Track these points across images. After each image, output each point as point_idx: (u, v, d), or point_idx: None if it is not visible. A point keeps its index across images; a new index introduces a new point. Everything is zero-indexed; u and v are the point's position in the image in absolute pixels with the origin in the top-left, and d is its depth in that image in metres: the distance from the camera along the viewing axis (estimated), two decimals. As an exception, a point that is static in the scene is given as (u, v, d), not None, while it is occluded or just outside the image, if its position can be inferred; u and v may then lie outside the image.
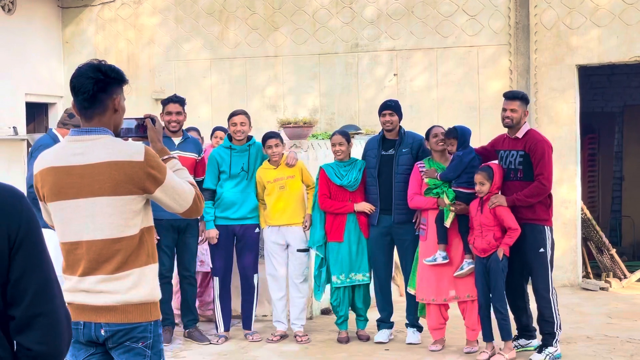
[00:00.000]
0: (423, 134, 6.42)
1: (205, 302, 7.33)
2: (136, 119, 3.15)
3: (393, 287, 7.44)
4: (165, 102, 6.51)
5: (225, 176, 6.53)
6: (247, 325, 6.67)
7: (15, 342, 1.83)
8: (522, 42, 9.09)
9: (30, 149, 6.92)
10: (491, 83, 9.19)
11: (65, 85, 10.18)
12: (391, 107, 6.44)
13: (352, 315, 6.65)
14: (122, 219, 2.86)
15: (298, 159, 6.67)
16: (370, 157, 6.50)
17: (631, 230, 11.47)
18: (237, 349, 6.40)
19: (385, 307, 6.59)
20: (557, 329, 5.86)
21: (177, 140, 6.47)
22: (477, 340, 6.15)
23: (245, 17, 10.11)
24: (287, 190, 6.52)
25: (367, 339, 6.55)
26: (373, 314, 6.73)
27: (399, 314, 6.71)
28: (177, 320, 6.82)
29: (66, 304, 1.92)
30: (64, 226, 2.89)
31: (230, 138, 6.61)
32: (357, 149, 6.93)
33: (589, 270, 9.30)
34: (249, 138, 6.64)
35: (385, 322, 6.59)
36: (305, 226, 6.59)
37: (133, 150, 2.87)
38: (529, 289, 6.08)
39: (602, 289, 8.66)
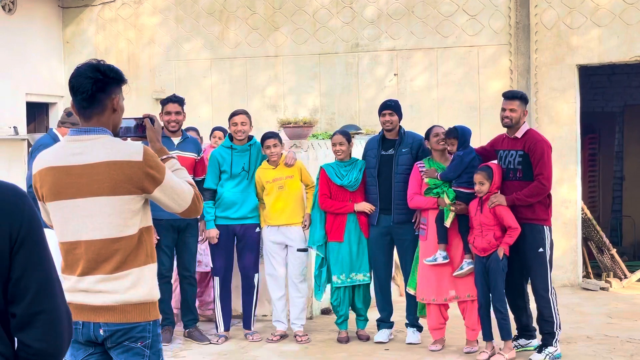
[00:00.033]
0: (423, 134, 6.42)
1: (205, 302, 7.33)
2: (135, 118, 3.15)
3: (393, 287, 7.44)
4: (164, 102, 6.52)
5: (226, 176, 6.54)
6: (247, 324, 6.67)
7: (16, 339, 1.84)
8: (522, 42, 9.09)
9: (30, 148, 6.93)
10: (491, 83, 9.19)
11: (65, 85, 10.14)
12: (391, 107, 6.45)
13: (352, 315, 6.65)
14: (121, 219, 2.86)
15: (297, 158, 6.67)
16: (370, 157, 6.50)
17: (632, 230, 11.47)
18: (237, 349, 6.41)
19: (385, 307, 6.59)
20: (556, 328, 5.86)
21: (176, 140, 6.47)
22: (477, 340, 6.14)
23: (245, 17, 10.11)
24: (286, 190, 6.52)
25: (367, 338, 6.55)
26: (373, 314, 6.73)
27: (399, 314, 6.71)
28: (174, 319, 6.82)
29: (70, 300, 1.92)
30: (63, 226, 2.89)
31: (231, 138, 6.62)
32: (358, 149, 6.93)
33: (590, 270, 9.30)
34: (250, 138, 6.64)
35: (385, 322, 6.59)
36: (305, 225, 6.59)
37: (132, 150, 2.87)
38: (529, 289, 6.08)
39: (602, 288, 8.65)
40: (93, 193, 2.85)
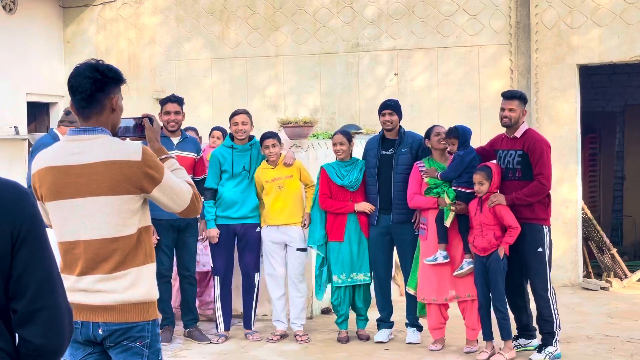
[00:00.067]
0: (423, 134, 6.42)
1: (204, 302, 7.34)
2: (134, 118, 3.15)
3: (393, 286, 7.44)
4: (163, 102, 6.52)
5: (227, 175, 6.54)
6: (247, 324, 6.67)
7: (17, 335, 1.85)
8: (522, 42, 9.09)
9: (31, 148, 6.94)
10: (492, 83, 9.19)
11: (66, 84, 10.18)
12: (391, 107, 6.45)
13: (352, 315, 6.65)
14: (119, 219, 2.86)
15: (295, 158, 6.68)
16: (370, 157, 6.50)
17: (632, 230, 11.46)
18: (237, 349, 6.41)
19: (385, 306, 6.59)
20: (556, 328, 5.86)
21: (175, 140, 6.47)
22: (477, 340, 6.14)
23: (246, 16, 10.11)
24: (285, 190, 6.52)
25: (367, 338, 6.55)
26: (373, 314, 6.73)
27: (399, 314, 6.71)
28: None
29: (68, 300, 1.93)
30: (62, 226, 2.90)
31: (232, 137, 6.62)
32: (358, 149, 6.93)
33: (590, 269, 9.29)
34: (251, 138, 6.64)
35: (385, 322, 6.59)
36: (304, 224, 6.59)
37: (131, 150, 2.88)
38: (529, 288, 6.08)
39: (602, 288, 8.65)
40: (92, 193, 2.85)
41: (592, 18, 8.70)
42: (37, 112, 10.44)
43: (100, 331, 2.87)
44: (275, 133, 6.64)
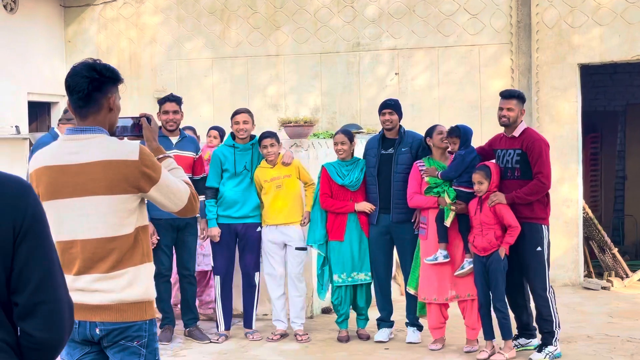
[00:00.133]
0: (424, 134, 6.41)
1: (204, 302, 7.34)
2: (132, 118, 3.16)
3: (394, 286, 7.44)
4: (161, 102, 6.52)
5: (228, 175, 6.54)
6: (248, 323, 6.67)
7: (18, 328, 1.87)
8: (523, 41, 9.08)
9: (31, 147, 6.94)
10: (493, 82, 9.18)
11: (67, 84, 10.18)
12: (391, 106, 6.44)
13: (352, 314, 6.65)
14: (117, 218, 2.87)
15: (294, 157, 6.68)
16: (370, 156, 6.50)
17: (634, 229, 11.45)
18: (237, 348, 6.41)
19: (385, 306, 6.59)
20: (556, 327, 5.85)
21: (174, 139, 6.47)
22: (477, 340, 6.14)
23: (246, 16, 10.11)
24: (284, 189, 6.52)
25: (367, 338, 6.55)
26: (373, 313, 6.72)
27: (399, 313, 6.71)
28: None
29: (69, 294, 1.95)
30: (59, 225, 2.89)
31: (233, 137, 6.62)
32: (359, 148, 6.93)
33: (591, 269, 9.28)
34: (252, 137, 6.64)
35: (385, 321, 6.59)
36: (304, 222, 6.59)
37: (128, 149, 2.88)
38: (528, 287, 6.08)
39: (603, 288, 8.64)
40: (89, 192, 2.85)
41: (593, 17, 8.69)
42: (38, 111, 10.45)
43: (97, 331, 2.87)
44: (274, 133, 6.64)
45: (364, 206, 6.44)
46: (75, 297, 2.85)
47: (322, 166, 6.59)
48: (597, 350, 6.12)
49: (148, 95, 10.41)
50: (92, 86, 2.85)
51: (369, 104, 9.52)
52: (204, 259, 7.11)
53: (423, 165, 6.20)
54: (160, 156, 3.09)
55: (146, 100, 10.31)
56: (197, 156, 6.58)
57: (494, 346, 5.94)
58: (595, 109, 11.56)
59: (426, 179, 6.14)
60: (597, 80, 11.65)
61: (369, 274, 6.52)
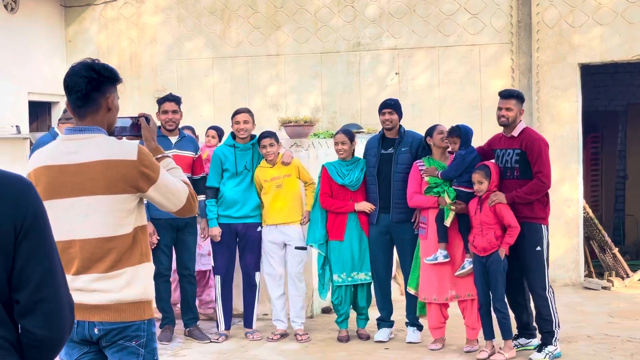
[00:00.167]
0: (424, 134, 6.41)
1: (204, 302, 7.34)
2: (131, 117, 3.16)
3: (394, 285, 7.44)
4: (161, 101, 6.53)
5: (228, 174, 6.54)
6: (248, 323, 6.67)
7: (19, 325, 1.88)
8: (524, 41, 9.08)
9: (32, 147, 6.94)
10: (493, 82, 9.17)
11: (67, 84, 10.17)
12: (391, 106, 6.44)
13: (352, 314, 6.65)
14: (115, 218, 2.87)
15: (293, 156, 6.68)
16: (370, 156, 6.50)
17: (634, 229, 11.44)
18: (237, 348, 6.41)
19: (385, 306, 6.59)
20: (555, 327, 5.85)
21: (174, 139, 6.48)
22: (477, 340, 6.14)
23: (247, 15, 10.11)
24: (284, 189, 6.52)
25: (367, 337, 6.55)
26: (373, 313, 6.72)
27: (400, 313, 6.71)
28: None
29: (70, 292, 1.95)
30: (57, 225, 2.87)
31: (233, 136, 6.62)
32: (359, 148, 6.93)
33: (592, 269, 9.28)
34: (252, 137, 6.64)
35: (385, 321, 6.59)
36: (303, 222, 6.59)
37: (126, 149, 2.88)
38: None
39: (604, 288, 8.63)
40: (87, 192, 2.85)
41: (594, 17, 8.69)
42: (39, 111, 10.45)
43: (96, 330, 2.87)
44: (273, 132, 6.64)
45: (364, 206, 6.43)
46: (74, 297, 2.82)
47: (323, 166, 6.59)
48: (597, 350, 6.12)
49: (148, 95, 10.41)
50: (91, 86, 2.86)
51: (370, 103, 9.51)
52: (201, 259, 7.11)
53: (423, 165, 6.20)
54: (159, 156, 3.09)
55: (146, 100, 10.31)
56: (197, 156, 6.58)
57: (494, 346, 5.94)
58: (596, 108, 11.56)
59: (426, 178, 6.14)
60: (598, 80, 11.64)
61: (369, 273, 6.52)
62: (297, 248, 6.58)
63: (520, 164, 5.83)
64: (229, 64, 10.21)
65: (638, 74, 11.45)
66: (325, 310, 7.53)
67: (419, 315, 6.42)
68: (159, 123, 6.36)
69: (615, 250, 9.18)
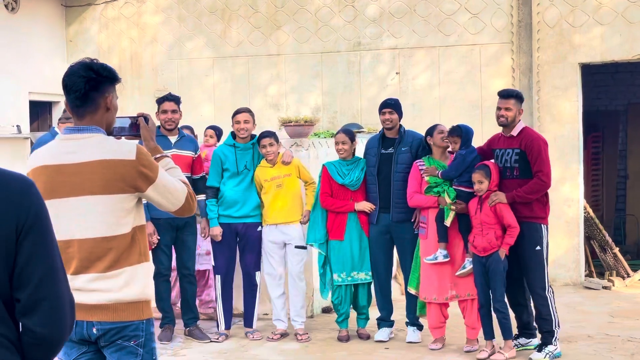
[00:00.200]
0: (424, 133, 6.40)
1: (204, 302, 7.34)
2: (130, 117, 3.15)
3: (394, 285, 7.43)
4: (160, 101, 6.53)
5: (229, 174, 6.54)
6: (248, 323, 6.67)
7: (20, 323, 1.88)
8: (524, 41, 9.07)
9: (32, 146, 6.95)
10: (494, 81, 9.17)
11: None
12: (391, 106, 6.44)
13: (352, 314, 6.65)
14: (114, 218, 2.86)
15: (293, 156, 6.68)
16: (370, 156, 6.50)
17: (635, 229, 11.43)
18: (237, 347, 6.41)
19: (385, 305, 6.59)
20: (555, 327, 5.84)
21: (173, 138, 6.48)
22: (477, 339, 6.14)
23: (247, 15, 10.11)
24: (284, 189, 6.53)
25: (367, 337, 6.55)
26: (373, 313, 6.72)
27: (400, 313, 6.71)
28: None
29: (71, 291, 1.96)
30: (56, 225, 2.84)
31: (234, 136, 6.63)
32: (360, 148, 6.93)
33: (592, 269, 9.27)
34: (253, 136, 6.64)
35: (385, 321, 6.59)
36: (303, 221, 6.58)
37: (125, 149, 2.88)
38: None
39: (604, 287, 8.63)
40: (86, 192, 2.85)
41: (594, 17, 8.68)
42: (40, 111, 10.46)
43: (94, 330, 2.87)
44: (272, 132, 6.64)
45: (364, 205, 6.43)
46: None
47: (323, 165, 6.60)
48: (597, 350, 6.11)
49: (149, 95, 10.41)
50: (89, 86, 2.85)
51: (370, 103, 9.51)
52: (199, 259, 7.11)
53: (423, 165, 6.20)
54: (158, 156, 3.09)
55: (147, 100, 10.31)
56: (196, 155, 6.58)
57: (494, 346, 5.93)
58: (597, 108, 11.55)
59: (426, 178, 6.13)
60: (599, 79, 11.63)
61: (369, 273, 6.52)
62: (297, 247, 6.58)
63: (520, 163, 5.82)
64: (229, 64, 10.21)
65: (639, 73, 11.44)
66: (326, 310, 7.53)
67: (419, 315, 6.42)
68: (158, 123, 6.36)
69: (616, 249, 9.17)
